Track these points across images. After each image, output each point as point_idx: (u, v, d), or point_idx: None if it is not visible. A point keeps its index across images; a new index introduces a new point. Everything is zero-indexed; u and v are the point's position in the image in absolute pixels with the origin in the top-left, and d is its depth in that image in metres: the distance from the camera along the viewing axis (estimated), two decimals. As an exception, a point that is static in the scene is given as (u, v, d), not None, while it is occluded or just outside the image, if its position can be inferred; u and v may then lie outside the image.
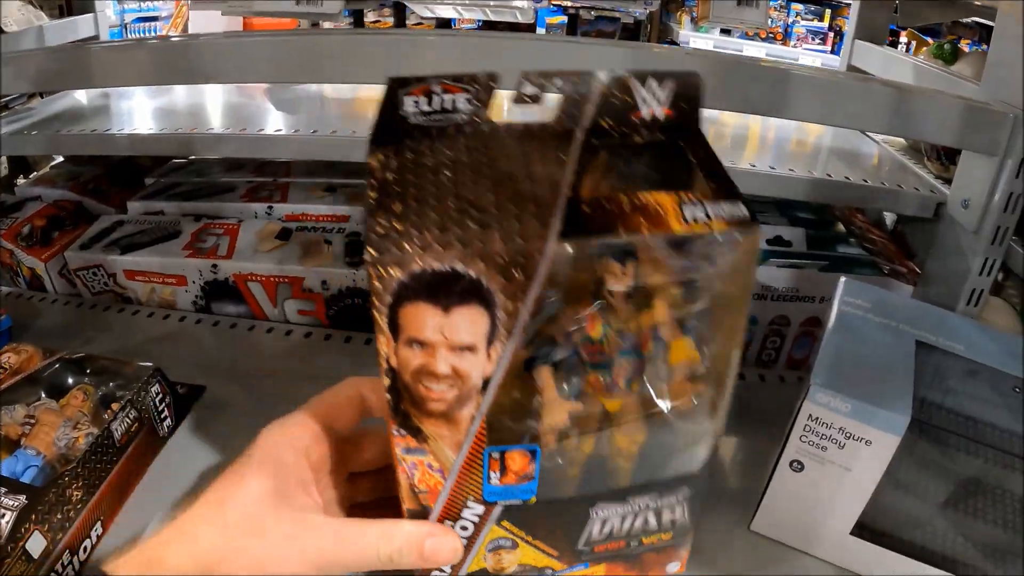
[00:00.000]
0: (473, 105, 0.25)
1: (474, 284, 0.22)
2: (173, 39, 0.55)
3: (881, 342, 0.42)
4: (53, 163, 0.80)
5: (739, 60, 0.47)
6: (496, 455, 0.27)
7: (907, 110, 0.47)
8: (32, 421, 0.46)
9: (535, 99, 0.25)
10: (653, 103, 0.26)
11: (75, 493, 0.42)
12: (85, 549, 0.41)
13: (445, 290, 0.22)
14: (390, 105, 0.25)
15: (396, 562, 0.28)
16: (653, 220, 0.23)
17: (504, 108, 0.26)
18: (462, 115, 0.25)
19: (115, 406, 0.45)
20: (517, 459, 0.27)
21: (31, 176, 0.75)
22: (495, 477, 0.27)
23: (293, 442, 0.29)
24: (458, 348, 0.23)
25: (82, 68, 0.51)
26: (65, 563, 0.40)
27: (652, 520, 0.31)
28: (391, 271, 0.21)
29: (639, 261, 0.23)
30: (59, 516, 0.40)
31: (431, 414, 0.25)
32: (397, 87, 0.24)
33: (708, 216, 0.23)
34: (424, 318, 0.22)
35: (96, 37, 0.79)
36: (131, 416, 0.46)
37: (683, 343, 0.26)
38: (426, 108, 0.25)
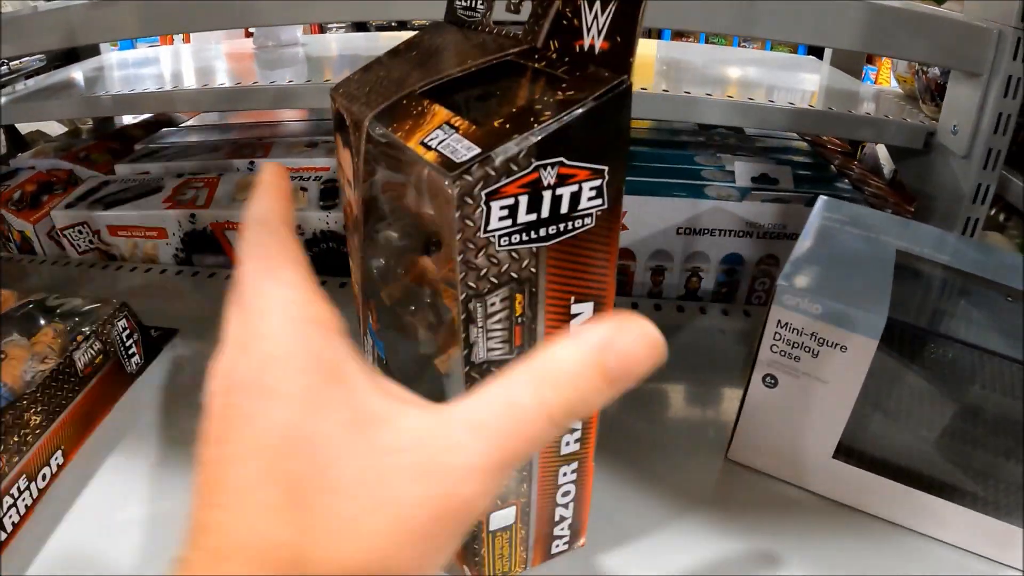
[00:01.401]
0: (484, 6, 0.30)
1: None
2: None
3: (857, 249, 0.40)
4: (49, 142, 0.82)
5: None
6: None
7: (888, 27, 0.45)
8: (2, 356, 0.47)
9: (516, 10, 0.27)
10: (594, 33, 0.24)
11: (33, 418, 0.41)
12: (44, 477, 0.41)
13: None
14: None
15: (577, 407, 0.16)
16: (409, 133, 0.23)
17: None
18: (480, 14, 0.31)
19: (79, 337, 0.45)
20: None
21: (27, 152, 0.77)
22: None
23: (317, 321, 0.17)
24: None
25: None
26: (22, 488, 0.39)
27: None
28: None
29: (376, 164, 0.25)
30: (15, 439, 0.40)
31: None
32: None
33: (444, 151, 0.22)
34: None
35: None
36: (95, 348, 0.45)
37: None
38: (465, 4, 0.32)
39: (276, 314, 0.17)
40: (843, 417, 0.37)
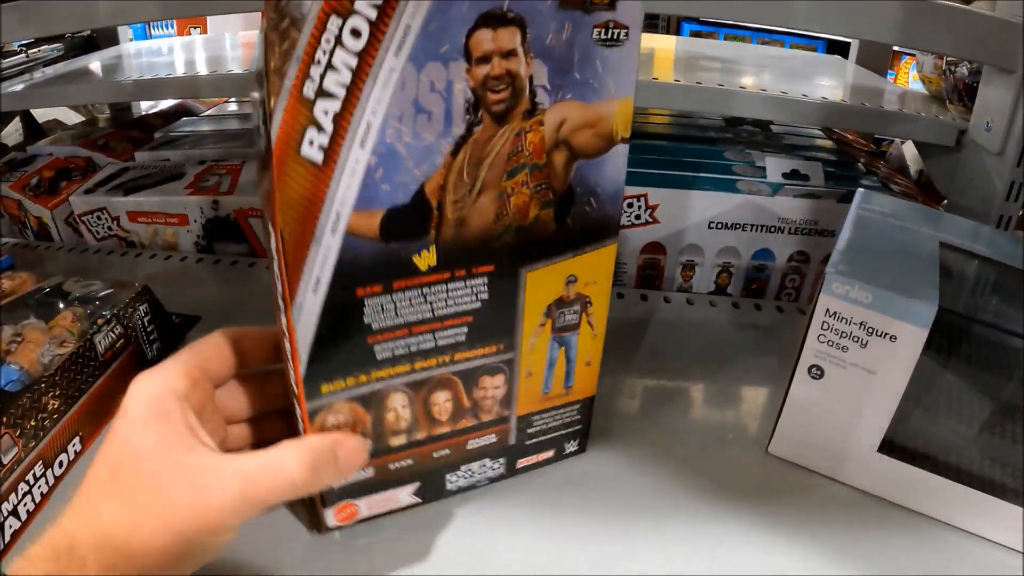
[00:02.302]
0: None
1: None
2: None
3: (901, 240, 0.39)
4: (66, 130, 0.81)
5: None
6: None
7: (924, 21, 0.45)
8: (19, 339, 0.45)
9: None
10: None
11: (52, 402, 0.40)
12: (61, 464, 0.40)
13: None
14: None
15: (311, 481, 0.26)
16: None
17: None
18: None
19: (100, 321, 0.44)
20: None
21: (44, 139, 0.76)
22: None
23: (170, 389, 0.27)
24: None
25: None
26: (38, 475, 0.38)
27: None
28: None
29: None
30: (32, 423, 0.38)
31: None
32: None
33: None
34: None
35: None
36: (116, 331, 0.44)
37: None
38: None
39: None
40: (890, 410, 0.36)
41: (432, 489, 0.35)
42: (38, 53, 0.77)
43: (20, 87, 0.66)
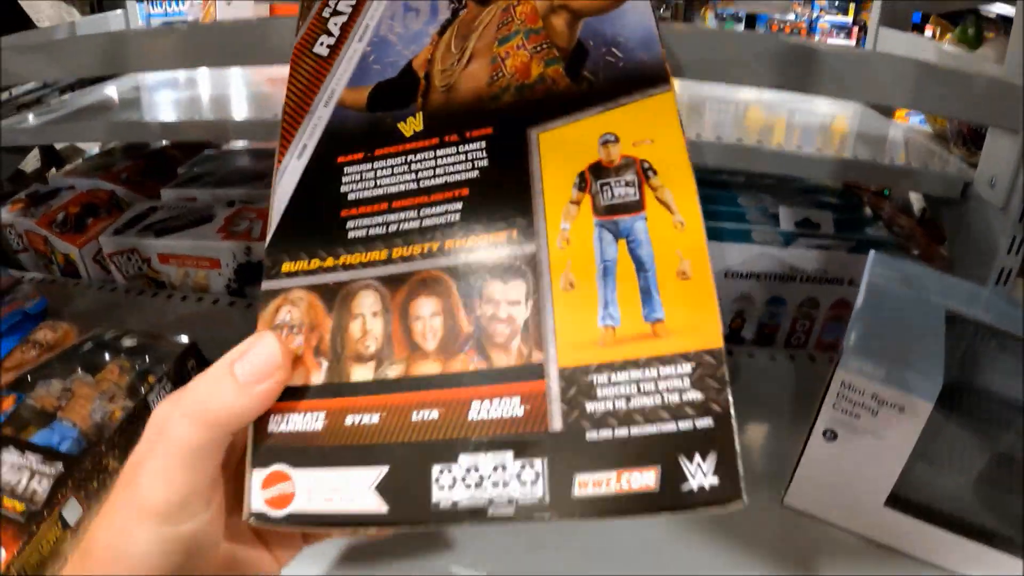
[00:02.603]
0: None
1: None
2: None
3: (911, 312, 0.42)
4: (85, 157, 0.82)
5: (766, 36, 0.47)
6: None
7: (933, 86, 0.47)
8: (68, 395, 0.47)
9: None
10: None
11: (111, 463, 0.42)
12: (122, 518, 0.42)
13: None
14: None
15: (217, 415, 0.21)
16: None
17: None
18: None
19: (151, 378, 0.46)
20: None
21: (64, 169, 0.77)
22: None
23: (176, 407, 0.24)
24: None
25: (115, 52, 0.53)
26: (103, 530, 0.40)
27: None
28: None
29: None
30: (95, 484, 0.41)
31: None
32: None
33: None
34: None
35: (128, 34, 0.81)
36: (167, 389, 0.46)
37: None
38: None
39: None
40: (896, 470, 0.39)
41: (407, 491, 0.21)
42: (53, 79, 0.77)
43: (39, 123, 0.66)
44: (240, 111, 0.63)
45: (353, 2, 0.30)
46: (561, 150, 0.24)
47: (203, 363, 0.50)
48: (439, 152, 0.25)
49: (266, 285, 0.25)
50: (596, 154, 0.24)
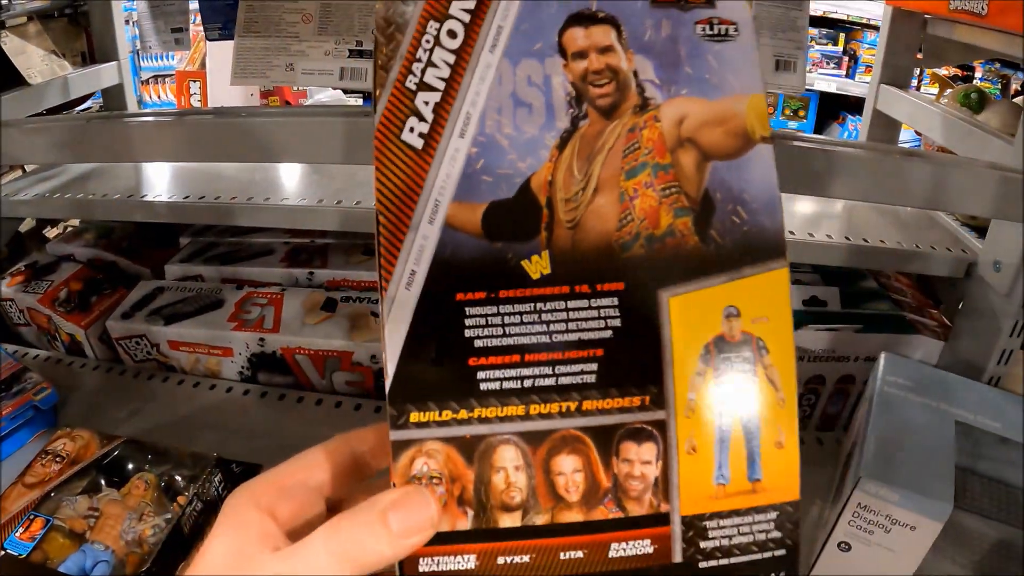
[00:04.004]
0: None
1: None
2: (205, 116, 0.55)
3: (923, 425, 0.44)
4: (81, 227, 0.80)
5: (778, 144, 0.48)
6: None
7: (942, 185, 0.48)
8: (95, 514, 0.48)
9: None
10: None
11: (148, 590, 0.43)
12: (163, 640, 0.43)
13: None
14: None
15: (365, 560, 0.23)
16: None
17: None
18: None
19: (181, 499, 0.47)
20: None
21: (63, 228, 0.75)
22: None
23: (254, 500, 0.27)
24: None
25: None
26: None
27: None
28: None
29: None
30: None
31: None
32: None
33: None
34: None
35: (120, 86, 0.78)
36: (197, 509, 0.47)
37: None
38: None
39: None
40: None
41: None
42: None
43: (33, 196, 0.65)
44: (249, 191, 0.61)
45: (445, 74, 0.25)
46: (689, 318, 0.26)
47: (230, 475, 0.50)
48: (570, 304, 0.25)
49: (395, 436, 0.25)
50: (719, 327, 0.26)
